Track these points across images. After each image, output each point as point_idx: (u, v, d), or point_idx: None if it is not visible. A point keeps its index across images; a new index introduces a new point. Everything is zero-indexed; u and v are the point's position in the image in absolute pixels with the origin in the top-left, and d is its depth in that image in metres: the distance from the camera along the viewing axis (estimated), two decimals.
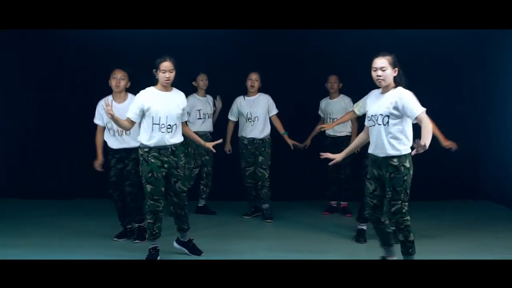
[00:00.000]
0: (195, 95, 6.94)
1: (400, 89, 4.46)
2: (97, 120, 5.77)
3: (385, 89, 4.49)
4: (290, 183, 7.75)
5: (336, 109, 6.99)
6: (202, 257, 5.12)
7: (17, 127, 7.74)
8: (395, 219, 4.50)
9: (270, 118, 6.82)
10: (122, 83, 5.57)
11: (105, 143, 5.75)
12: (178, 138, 4.98)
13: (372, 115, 4.51)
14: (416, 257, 4.58)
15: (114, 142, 5.66)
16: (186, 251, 5.21)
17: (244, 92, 6.87)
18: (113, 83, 5.57)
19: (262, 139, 6.77)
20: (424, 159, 6.26)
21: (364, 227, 5.77)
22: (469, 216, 7.00)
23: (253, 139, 6.77)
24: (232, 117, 6.96)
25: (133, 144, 5.47)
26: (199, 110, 6.91)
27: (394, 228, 4.69)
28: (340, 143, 6.68)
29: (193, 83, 6.96)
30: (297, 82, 7.76)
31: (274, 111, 6.82)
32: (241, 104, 6.83)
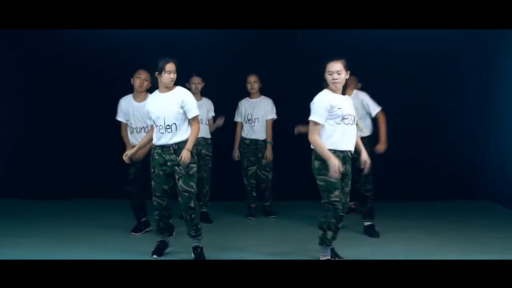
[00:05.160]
0: None
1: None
2: (119, 118, 5.94)
3: (341, 91, 4.71)
4: (292, 183, 7.73)
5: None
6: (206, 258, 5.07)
7: (17, 127, 7.74)
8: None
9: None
10: (145, 84, 5.78)
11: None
12: (180, 137, 4.95)
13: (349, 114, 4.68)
14: (416, 257, 4.56)
15: (132, 139, 5.83)
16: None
17: (243, 95, 6.87)
18: (136, 82, 5.78)
19: (264, 141, 6.75)
20: (424, 160, 6.31)
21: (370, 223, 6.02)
22: (468, 216, 6.99)
23: (256, 140, 6.77)
24: (238, 118, 6.86)
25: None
26: None
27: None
28: None
29: (186, 84, 6.42)
30: (297, 83, 7.55)
31: (271, 116, 6.77)
32: (244, 105, 6.82)
